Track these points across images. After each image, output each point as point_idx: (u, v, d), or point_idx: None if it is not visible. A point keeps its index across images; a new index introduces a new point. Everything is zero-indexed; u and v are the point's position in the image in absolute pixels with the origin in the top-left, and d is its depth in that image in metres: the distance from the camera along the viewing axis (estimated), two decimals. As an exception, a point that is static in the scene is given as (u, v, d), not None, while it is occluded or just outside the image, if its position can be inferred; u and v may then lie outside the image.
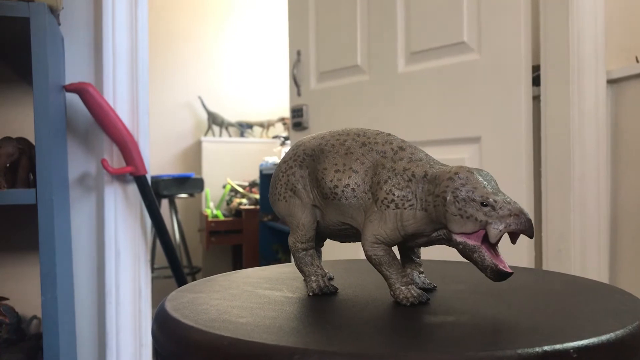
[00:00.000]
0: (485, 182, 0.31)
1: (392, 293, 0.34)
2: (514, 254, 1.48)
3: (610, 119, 1.48)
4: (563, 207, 1.47)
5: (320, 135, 0.40)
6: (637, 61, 1.49)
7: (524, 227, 0.30)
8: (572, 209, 1.45)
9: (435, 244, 0.34)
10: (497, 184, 0.33)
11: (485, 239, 0.31)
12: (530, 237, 0.31)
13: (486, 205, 0.30)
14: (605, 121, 1.47)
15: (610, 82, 1.47)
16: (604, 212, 1.47)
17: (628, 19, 1.54)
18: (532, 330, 0.27)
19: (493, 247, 0.32)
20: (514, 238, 0.32)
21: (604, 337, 0.25)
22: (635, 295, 0.33)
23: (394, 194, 0.33)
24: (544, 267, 1.51)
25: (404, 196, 0.33)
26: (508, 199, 0.30)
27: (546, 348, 0.23)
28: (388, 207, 0.33)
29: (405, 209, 0.33)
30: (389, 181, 0.33)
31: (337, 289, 0.40)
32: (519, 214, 0.30)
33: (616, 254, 1.49)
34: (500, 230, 0.30)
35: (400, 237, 0.33)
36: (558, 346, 0.23)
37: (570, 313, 0.30)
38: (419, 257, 0.38)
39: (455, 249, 0.33)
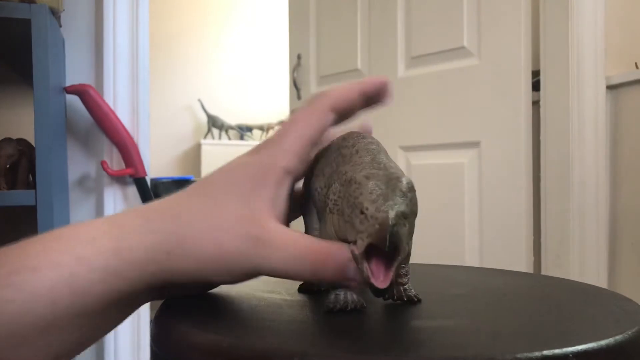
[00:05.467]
0: (377, 189, 0.28)
1: None
2: (512, 260, 1.48)
3: (609, 124, 1.48)
4: (562, 212, 1.47)
5: (334, 140, 0.39)
6: (637, 67, 1.49)
7: (379, 241, 0.27)
8: (571, 215, 1.45)
9: None
10: (405, 195, 0.28)
11: (376, 250, 0.28)
12: (388, 252, 0.27)
13: (362, 214, 0.27)
14: (605, 126, 1.47)
15: (610, 87, 1.48)
16: (603, 218, 1.47)
17: (628, 25, 1.54)
18: (531, 335, 0.27)
19: (389, 258, 0.28)
20: (392, 254, 0.28)
21: (603, 342, 0.25)
22: (635, 301, 0.33)
23: (329, 199, 0.31)
24: (543, 273, 1.50)
25: (335, 200, 0.30)
26: (384, 209, 0.27)
27: (545, 352, 0.23)
28: (326, 211, 0.31)
29: (333, 213, 0.30)
30: (333, 185, 0.31)
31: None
32: (381, 226, 0.26)
33: (615, 260, 1.49)
34: (363, 240, 0.27)
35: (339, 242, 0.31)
36: (557, 351, 0.23)
37: (569, 318, 0.30)
38: (402, 267, 0.35)
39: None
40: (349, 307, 0.31)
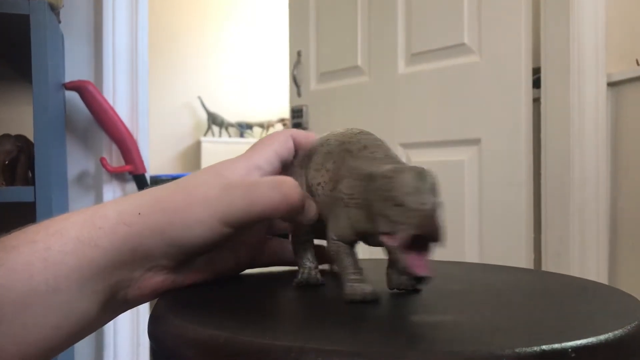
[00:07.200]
0: (412, 183, 0.29)
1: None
2: (512, 257, 1.48)
3: (610, 121, 1.48)
4: (562, 210, 1.47)
5: (326, 136, 0.40)
6: (638, 64, 1.49)
7: (428, 231, 0.28)
8: (572, 212, 1.45)
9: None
10: (433, 186, 0.30)
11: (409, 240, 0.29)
12: (436, 241, 0.28)
13: (400, 206, 0.29)
14: (605, 124, 1.47)
15: (611, 84, 1.47)
16: (603, 215, 1.47)
17: (628, 22, 1.54)
18: (530, 330, 0.27)
19: (420, 248, 0.30)
20: (424, 243, 0.30)
21: (602, 337, 0.25)
22: (634, 296, 0.33)
23: (343, 192, 0.33)
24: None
25: (351, 194, 0.32)
26: (424, 200, 0.28)
27: (544, 347, 0.23)
28: (338, 205, 0.33)
29: (350, 207, 0.32)
30: (344, 180, 0.33)
31: (324, 281, 0.38)
32: (428, 217, 0.28)
33: (615, 257, 1.49)
34: (407, 232, 0.29)
35: (352, 234, 0.33)
36: (556, 345, 0.23)
37: (568, 313, 0.30)
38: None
39: (442, 248, 0.32)
40: (368, 299, 0.32)
